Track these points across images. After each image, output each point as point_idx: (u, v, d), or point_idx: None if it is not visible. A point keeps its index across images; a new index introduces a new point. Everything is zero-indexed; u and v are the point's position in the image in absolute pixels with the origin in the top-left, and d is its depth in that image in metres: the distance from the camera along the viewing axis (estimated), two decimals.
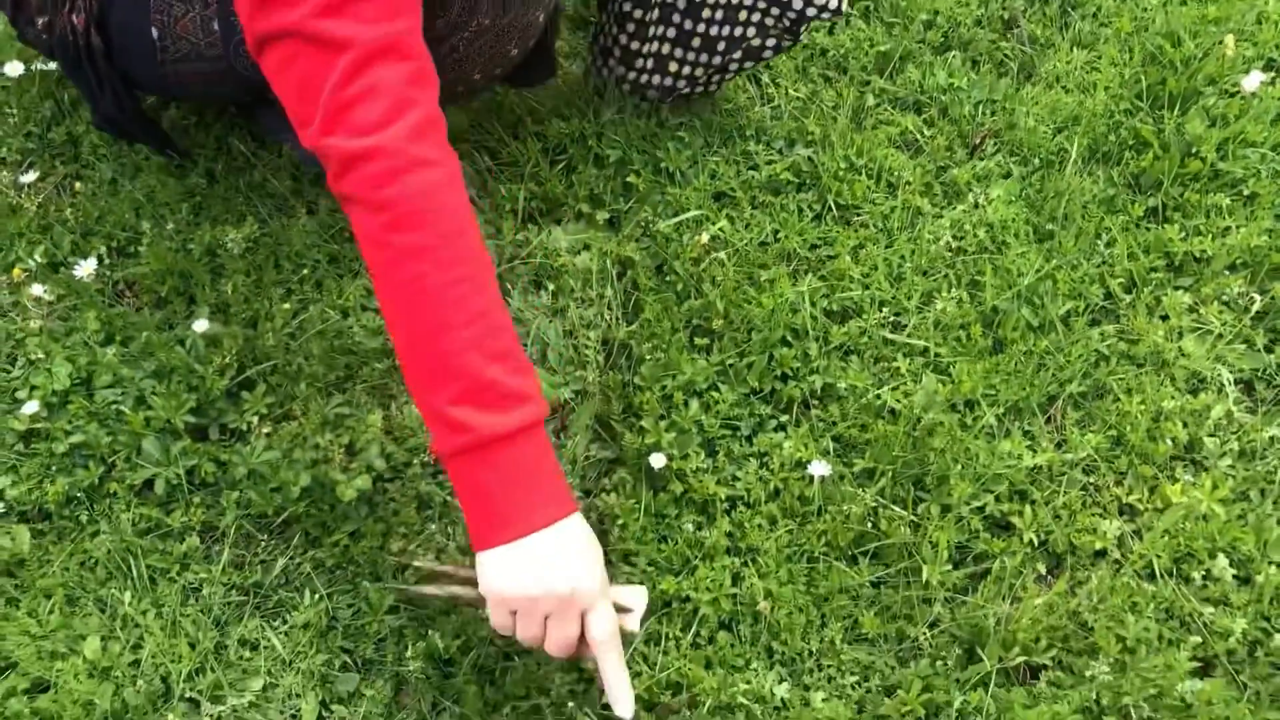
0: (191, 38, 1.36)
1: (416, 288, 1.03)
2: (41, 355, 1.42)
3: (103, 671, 1.23)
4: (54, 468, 1.35)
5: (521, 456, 1.05)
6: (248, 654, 1.26)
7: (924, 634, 1.27)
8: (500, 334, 1.06)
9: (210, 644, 1.26)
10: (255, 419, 1.40)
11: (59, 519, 1.34)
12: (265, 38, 1.04)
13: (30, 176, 1.58)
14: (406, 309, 1.04)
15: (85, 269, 1.45)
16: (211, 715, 1.22)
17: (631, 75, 1.66)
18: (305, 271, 1.54)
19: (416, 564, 1.25)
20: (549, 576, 1.04)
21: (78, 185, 1.60)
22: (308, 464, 1.35)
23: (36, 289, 1.44)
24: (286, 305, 1.49)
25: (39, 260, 1.51)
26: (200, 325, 1.42)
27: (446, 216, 1.05)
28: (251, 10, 1.03)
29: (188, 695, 1.23)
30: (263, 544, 1.33)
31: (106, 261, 1.54)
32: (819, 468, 1.31)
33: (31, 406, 1.33)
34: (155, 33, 1.36)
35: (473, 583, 1.13)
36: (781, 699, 1.22)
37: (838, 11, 1.52)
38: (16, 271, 1.48)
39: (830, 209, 1.60)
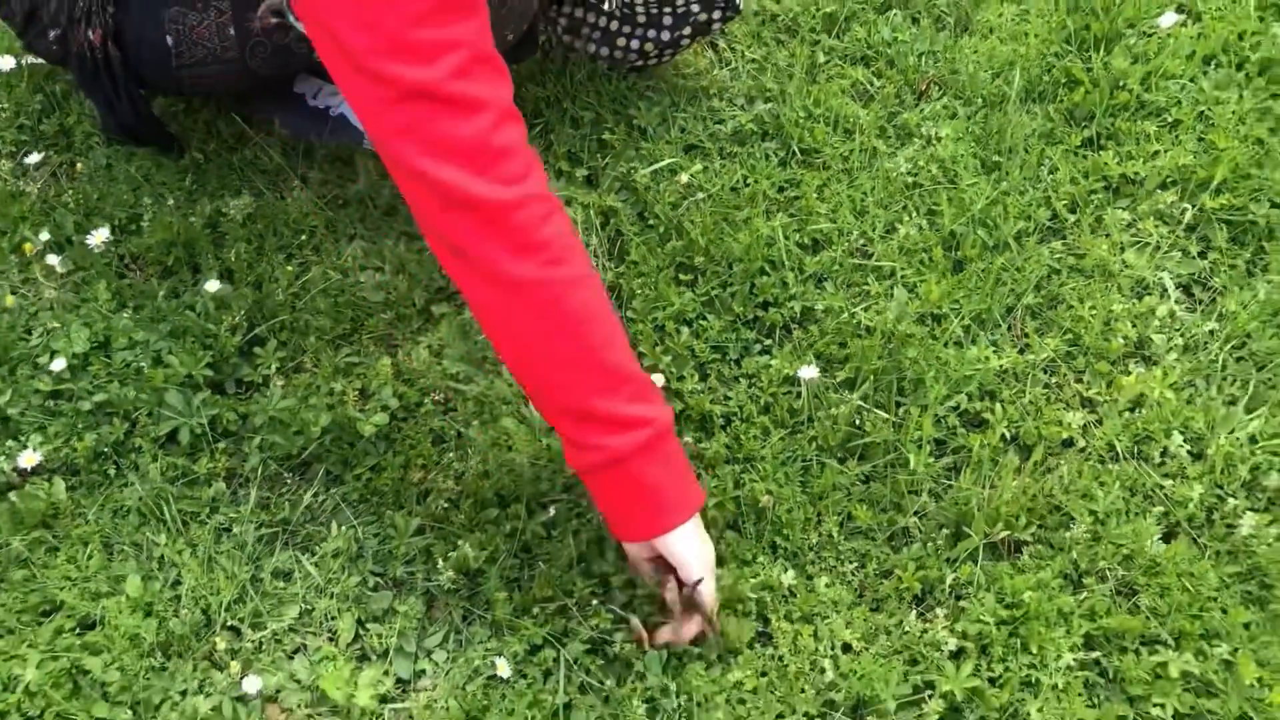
0: (207, 44, 1.44)
1: (587, 311, 1.15)
2: (57, 325, 1.48)
3: (146, 606, 1.29)
4: (81, 425, 1.41)
5: (677, 442, 1.23)
6: (282, 584, 1.33)
7: (913, 521, 1.37)
8: (627, 338, 1.21)
9: (246, 576, 1.32)
10: (270, 371, 1.47)
11: (88, 473, 1.39)
12: (405, 94, 1.06)
13: (35, 158, 1.65)
14: (574, 330, 1.14)
15: (97, 238, 1.52)
16: (253, 641, 1.29)
17: (578, 44, 1.77)
18: (304, 237, 1.61)
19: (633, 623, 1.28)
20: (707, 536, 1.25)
21: (79, 166, 1.66)
22: (325, 407, 1.42)
23: (52, 259, 1.50)
24: (290, 268, 1.57)
25: (46, 238, 1.57)
26: (211, 285, 1.50)
27: (582, 245, 1.19)
28: (383, 55, 1.05)
29: (229, 624, 1.30)
30: (288, 483, 1.40)
31: (110, 239, 1.60)
32: (807, 371, 1.42)
33: (59, 363, 1.39)
34: (170, 41, 1.44)
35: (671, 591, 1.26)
36: (789, 587, 1.32)
37: None
38: (28, 247, 1.53)
39: (794, 154, 1.72)
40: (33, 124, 1.75)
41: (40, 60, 1.74)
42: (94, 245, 1.52)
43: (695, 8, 1.69)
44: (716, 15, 1.70)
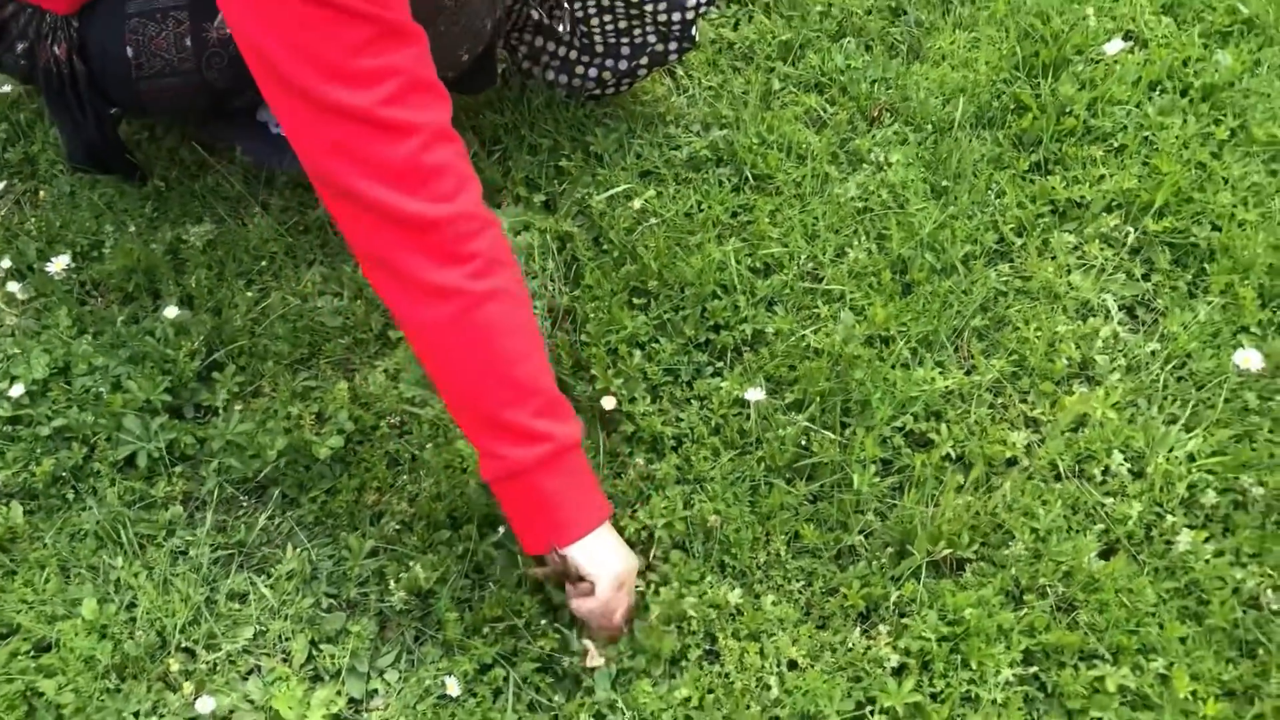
0: (165, 54, 1.47)
1: (504, 325, 1.19)
2: (17, 351, 1.50)
3: (101, 629, 1.31)
4: (39, 450, 1.43)
5: (584, 459, 1.27)
6: (237, 605, 1.35)
7: (858, 540, 1.40)
8: (546, 356, 1.25)
9: (201, 598, 1.34)
10: (228, 396, 1.49)
11: (47, 497, 1.41)
12: (337, 115, 1.10)
13: None
14: (485, 342, 1.19)
15: (58, 265, 1.54)
16: (207, 662, 1.31)
17: (537, 71, 1.80)
18: (264, 263, 1.64)
19: (534, 572, 1.32)
20: (626, 549, 1.30)
21: (41, 193, 1.68)
22: (282, 431, 1.44)
23: (13, 286, 1.52)
24: (249, 294, 1.59)
25: (8, 265, 1.59)
26: (170, 311, 1.52)
27: (514, 262, 1.23)
28: (320, 78, 1.09)
29: (184, 645, 1.32)
30: (244, 506, 1.43)
31: (72, 265, 1.62)
32: (754, 394, 1.45)
33: (18, 389, 1.41)
34: (130, 52, 1.47)
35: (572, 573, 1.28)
36: (735, 605, 1.34)
37: (710, 2, 1.68)
38: None
39: (747, 179, 1.75)
40: None
41: (7, 81, 1.77)
42: (54, 272, 1.55)
43: (653, 39, 1.72)
44: (673, 46, 1.74)
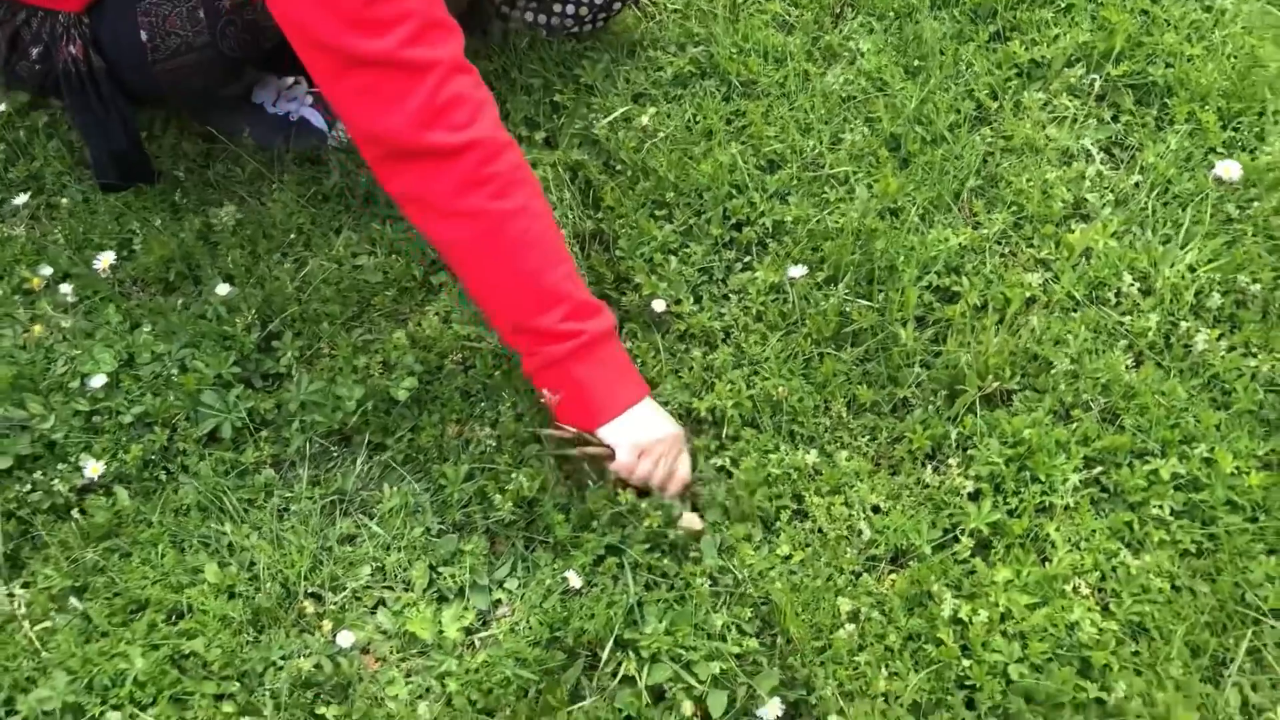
0: (180, 32, 1.51)
1: (526, 239, 1.32)
2: (79, 352, 1.54)
3: (228, 589, 1.36)
4: (125, 438, 1.47)
5: (618, 347, 1.40)
6: (350, 547, 1.41)
7: (911, 391, 1.51)
8: (573, 263, 1.37)
9: (315, 546, 1.40)
10: (292, 361, 1.55)
11: (141, 481, 1.46)
12: (356, 61, 1.23)
13: (22, 198, 1.69)
14: (512, 256, 1.32)
15: (104, 262, 1.58)
16: (335, 603, 1.37)
17: (516, 14, 1.87)
18: (293, 235, 1.69)
19: (547, 432, 1.42)
20: (666, 424, 1.40)
21: (63, 201, 1.71)
22: (355, 382, 1.50)
23: (64, 288, 1.55)
24: (288, 265, 1.64)
25: (49, 272, 1.62)
26: (222, 289, 1.57)
27: (533, 180, 1.35)
28: (342, 30, 1.22)
29: (310, 591, 1.38)
30: (335, 457, 1.49)
31: (115, 263, 1.65)
32: (795, 270, 1.55)
33: (99, 380, 1.45)
34: (145, 35, 1.50)
35: (595, 444, 1.38)
36: (813, 465, 1.44)
37: None
38: (36, 281, 1.58)
39: (734, 87, 1.84)
40: (0, 172, 1.79)
41: (3, 99, 1.78)
42: (101, 269, 1.58)
43: None
44: None
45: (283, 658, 1.31)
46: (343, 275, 1.64)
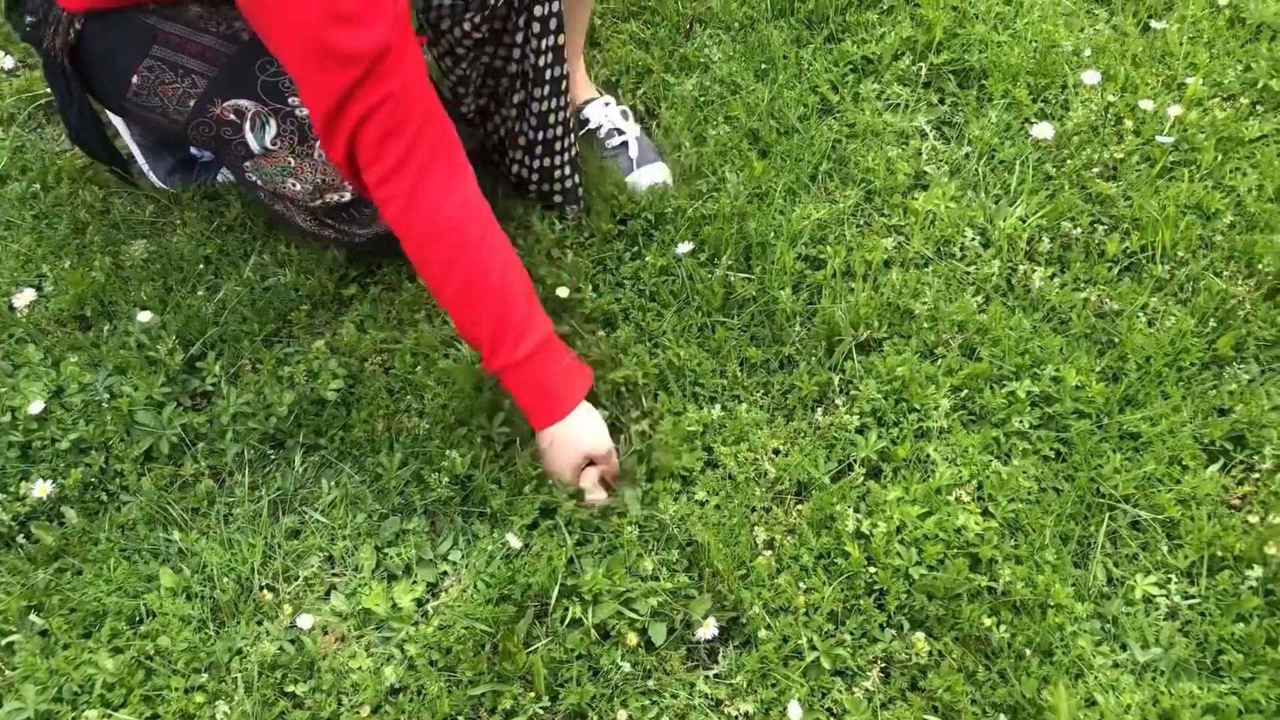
0: (166, 100, 1.56)
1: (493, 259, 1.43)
2: (4, 389, 1.58)
3: (185, 591, 1.43)
4: (63, 464, 1.53)
5: (561, 346, 1.48)
6: (296, 541, 1.50)
7: (795, 347, 1.68)
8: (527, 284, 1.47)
9: (262, 544, 1.48)
10: (218, 379, 1.62)
11: (83, 504, 1.51)
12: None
13: None
14: (477, 281, 1.41)
15: (23, 299, 1.62)
16: (289, 593, 1.45)
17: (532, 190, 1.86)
18: (202, 265, 1.77)
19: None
20: (602, 427, 1.50)
21: None
22: (284, 389, 1.59)
23: None
24: (201, 292, 1.72)
25: None
26: (143, 317, 1.63)
27: (487, 212, 1.46)
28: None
29: (264, 585, 1.45)
30: (272, 461, 1.57)
31: (36, 299, 1.70)
32: (683, 247, 1.71)
33: (37, 405, 1.50)
34: (136, 80, 1.55)
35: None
36: (718, 419, 1.59)
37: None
38: None
39: None
40: None
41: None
42: (20, 306, 1.63)
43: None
44: (559, 200, 1.84)
45: (247, 645, 1.39)
46: (256, 296, 1.72)
